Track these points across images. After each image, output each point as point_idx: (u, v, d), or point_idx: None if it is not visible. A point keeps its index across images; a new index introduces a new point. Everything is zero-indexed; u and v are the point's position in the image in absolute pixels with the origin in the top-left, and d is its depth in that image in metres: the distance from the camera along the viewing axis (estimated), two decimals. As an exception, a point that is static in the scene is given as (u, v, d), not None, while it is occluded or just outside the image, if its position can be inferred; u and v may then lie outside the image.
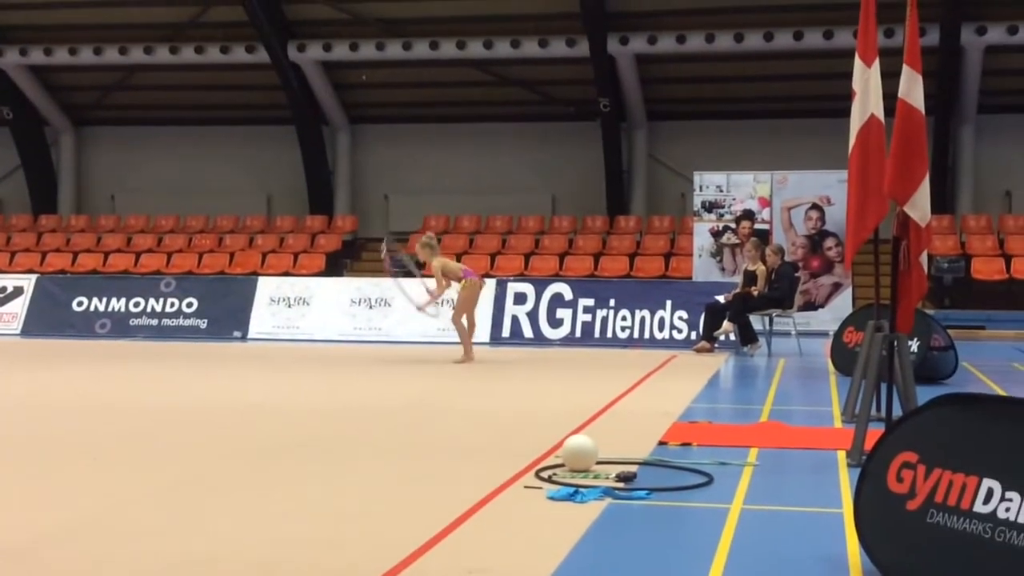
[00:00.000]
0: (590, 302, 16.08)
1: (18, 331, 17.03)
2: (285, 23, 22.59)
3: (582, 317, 16.03)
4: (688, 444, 6.91)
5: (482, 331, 16.27)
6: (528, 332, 16.15)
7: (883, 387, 6.69)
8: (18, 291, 17.52)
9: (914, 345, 10.02)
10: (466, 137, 24.43)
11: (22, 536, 4.67)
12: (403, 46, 22.16)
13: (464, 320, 13.23)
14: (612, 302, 16.02)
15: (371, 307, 16.94)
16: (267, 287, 17.34)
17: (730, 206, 19.31)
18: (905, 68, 6.43)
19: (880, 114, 6.65)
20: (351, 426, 7.98)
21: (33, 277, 18.05)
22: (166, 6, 22.67)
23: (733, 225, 19.23)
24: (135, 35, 22.92)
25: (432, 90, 24.04)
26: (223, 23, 22.61)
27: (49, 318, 17.19)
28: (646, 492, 5.44)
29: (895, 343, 6.55)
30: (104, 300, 17.30)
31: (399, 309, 16.81)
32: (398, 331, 16.51)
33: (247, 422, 8.19)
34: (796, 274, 15.07)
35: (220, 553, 4.44)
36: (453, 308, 13.63)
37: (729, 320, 14.39)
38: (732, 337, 14.62)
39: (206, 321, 17.03)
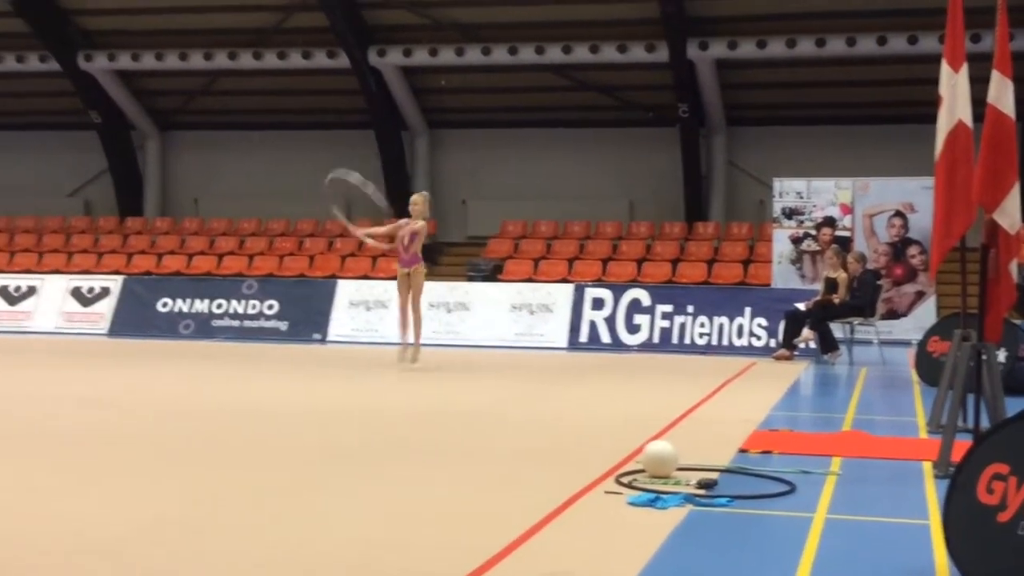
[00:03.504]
0: (668, 308, 16.02)
1: (106, 331, 17.37)
2: (366, 28, 22.80)
3: (660, 323, 15.98)
4: (769, 452, 6.86)
5: (560, 336, 16.30)
6: (606, 338, 16.13)
7: (970, 398, 6.58)
8: (105, 292, 17.89)
9: (1001, 355, 9.85)
10: (544, 142, 24.45)
11: (113, 532, 4.76)
12: (482, 51, 22.25)
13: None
14: (691, 308, 15.95)
15: (449, 311, 17.03)
16: (347, 290, 17.51)
17: (810, 213, 19.11)
18: (994, 73, 6.33)
19: (968, 120, 6.55)
20: (429, 430, 8.02)
21: (120, 278, 18.41)
22: (250, 12, 22.98)
23: (813, 232, 19.03)
24: (220, 40, 23.27)
25: (511, 95, 24.10)
26: (305, 29, 22.87)
27: (135, 318, 17.52)
28: (727, 499, 5.40)
29: (983, 353, 6.44)
30: (187, 301, 17.59)
31: (477, 314, 16.89)
32: (476, 335, 16.58)
33: (328, 425, 8.27)
34: (878, 282, 14.90)
35: (303, 554, 4.49)
36: (410, 296, 12.36)
37: (810, 328, 14.25)
38: (812, 345, 14.48)
39: (287, 323, 17.24)
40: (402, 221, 12.29)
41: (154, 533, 4.77)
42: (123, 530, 4.79)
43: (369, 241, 13.04)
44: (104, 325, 17.53)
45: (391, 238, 12.49)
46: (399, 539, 4.74)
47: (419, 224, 12.18)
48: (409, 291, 12.31)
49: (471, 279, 20.51)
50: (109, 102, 24.79)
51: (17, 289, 18.20)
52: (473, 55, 22.33)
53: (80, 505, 5.28)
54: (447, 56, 22.44)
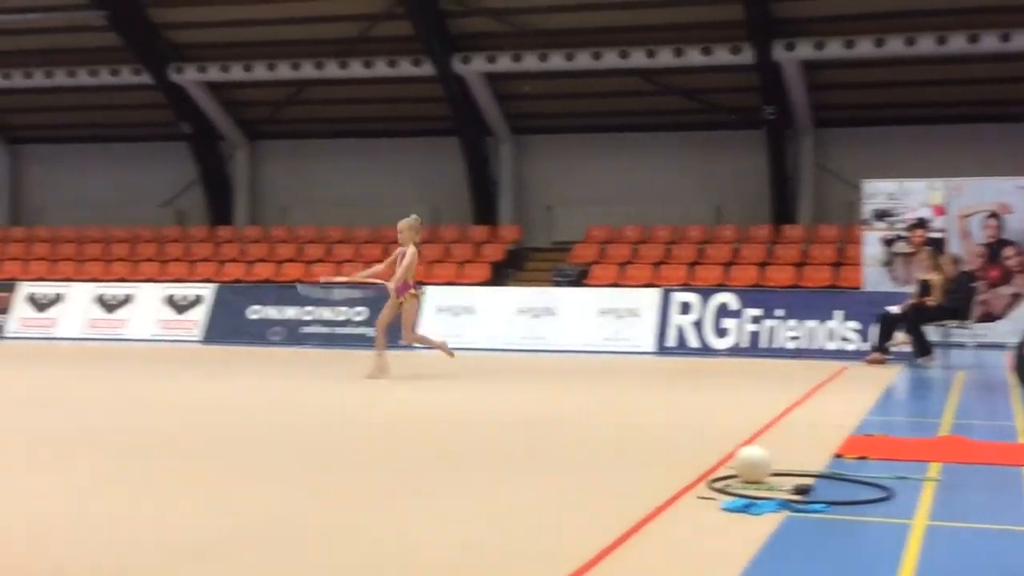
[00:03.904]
0: (757, 312, 15.88)
1: (199, 338, 17.67)
2: (450, 36, 22.93)
3: (749, 327, 15.84)
4: (864, 457, 6.75)
5: (647, 340, 16.23)
6: (694, 342, 16.03)
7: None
8: (198, 299, 18.21)
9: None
10: (629, 147, 24.39)
11: (211, 535, 4.83)
12: (566, 56, 22.25)
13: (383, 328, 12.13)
14: (780, 312, 15.79)
15: (535, 316, 17.05)
16: (434, 296, 17.60)
17: (902, 214, 18.81)
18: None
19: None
20: (519, 436, 8.03)
21: (212, 286, 18.72)
22: (336, 22, 23.24)
23: (905, 234, 18.72)
24: (306, 51, 23.57)
25: (594, 100, 24.07)
26: (390, 37, 23.07)
27: (227, 326, 17.80)
28: (824, 505, 5.33)
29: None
30: (278, 309, 17.82)
31: (564, 319, 16.89)
32: (562, 341, 16.58)
33: (417, 431, 8.32)
34: (973, 284, 14.60)
35: (395, 558, 4.52)
36: (402, 326, 12.17)
37: (904, 331, 14.02)
38: (906, 349, 14.24)
39: (375, 330, 17.36)
40: (398, 251, 12.05)
41: (253, 536, 4.84)
42: (221, 533, 4.86)
43: (370, 280, 12.75)
44: (198, 332, 17.83)
45: (391, 267, 12.18)
46: (491, 545, 4.75)
47: (409, 250, 11.83)
48: (395, 316, 12.02)
49: (557, 284, 20.52)
50: (199, 113, 25.23)
51: (114, 298, 18.61)
52: (556, 60, 22.35)
53: (182, 508, 5.38)
54: (531, 62, 22.48)
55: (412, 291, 11.97)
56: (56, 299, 18.85)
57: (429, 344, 12.60)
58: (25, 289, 19.15)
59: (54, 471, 6.41)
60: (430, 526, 5.03)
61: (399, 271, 11.79)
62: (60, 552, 4.54)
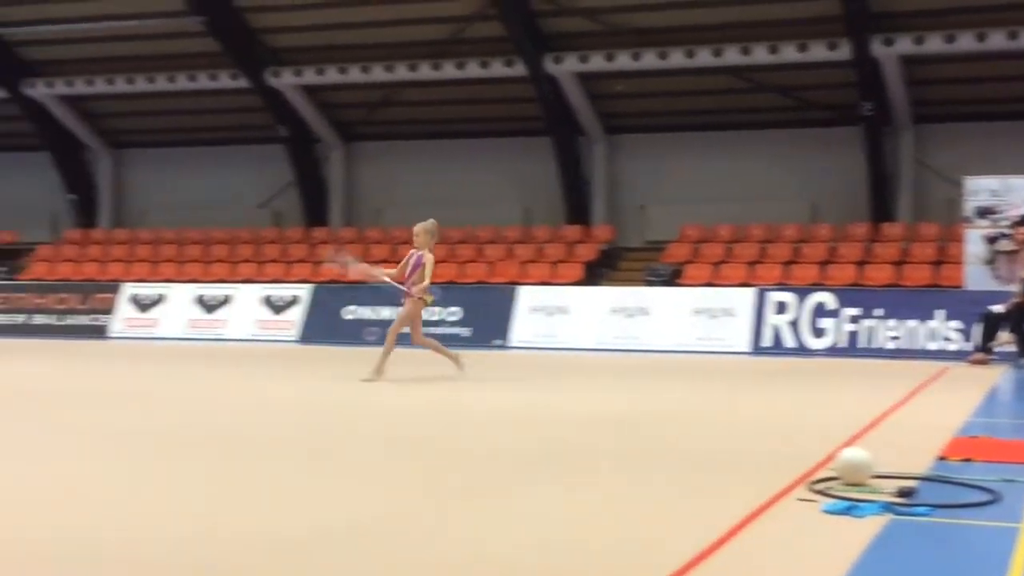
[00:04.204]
0: (856, 311, 15.66)
1: (296, 338, 17.91)
2: (542, 36, 22.95)
3: (847, 327, 15.61)
4: (969, 460, 6.61)
5: (742, 340, 16.08)
6: (790, 342, 15.85)
7: None
8: (295, 300, 18.46)
9: None
10: (722, 145, 24.19)
11: (303, 533, 4.89)
12: (659, 55, 22.13)
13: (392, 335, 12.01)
14: (879, 311, 15.54)
15: (629, 316, 17.00)
16: (527, 296, 17.64)
17: (1005, 211, 18.38)
18: None
19: None
20: (614, 435, 8.01)
21: (308, 287, 18.97)
22: (429, 24, 23.40)
23: (1009, 231, 18.28)
24: (400, 53, 23.76)
25: (688, 98, 23.92)
26: (482, 38, 23.16)
27: (323, 326, 18.03)
28: (928, 508, 5.22)
29: None
30: (372, 309, 17.99)
31: (657, 319, 16.81)
32: (655, 341, 16.50)
33: (511, 429, 8.34)
34: (1080, 282, 14.22)
35: (498, 556, 4.53)
36: (407, 329, 12.10)
37: (1008, 331, 13.70)
38: (1010, 348, 13.92)
39: (469, 329, 17.47)
40: (411, 253, 11.96)
41: (343, 535, 4.89)
42: (314, 528, 4.92)
43: (387, 280, 12.39)
44: (294, 332, 18.09)
45: (403, 270, 12.05)
46: (587, 544, 4.74)
47: (428, 256, 11.75)
48: (418, 317, 11.95)
49: (650, 284, 20.42)
50: (295, 116, 25.58)
51: (213, 298, 18.95)
52: (649, 59, 22.24)
53: (275, 506, 5.45)
54: (623, 61, 22.40)
55: (421, 296, 11.79)
56: (158, 300, 19.26)
57: (386, 351, 11.91)
58: (128, 290, 19.59)
59: (159, 470, 6.55)
60: (530, 524, 5.04)
61: (427, 279, 11.63)
62: (163, 550, 4.63)
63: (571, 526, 5.04)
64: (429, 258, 11.67)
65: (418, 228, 11.91)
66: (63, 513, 5.24)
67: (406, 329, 11.93)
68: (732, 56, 21.80)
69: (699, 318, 16.65)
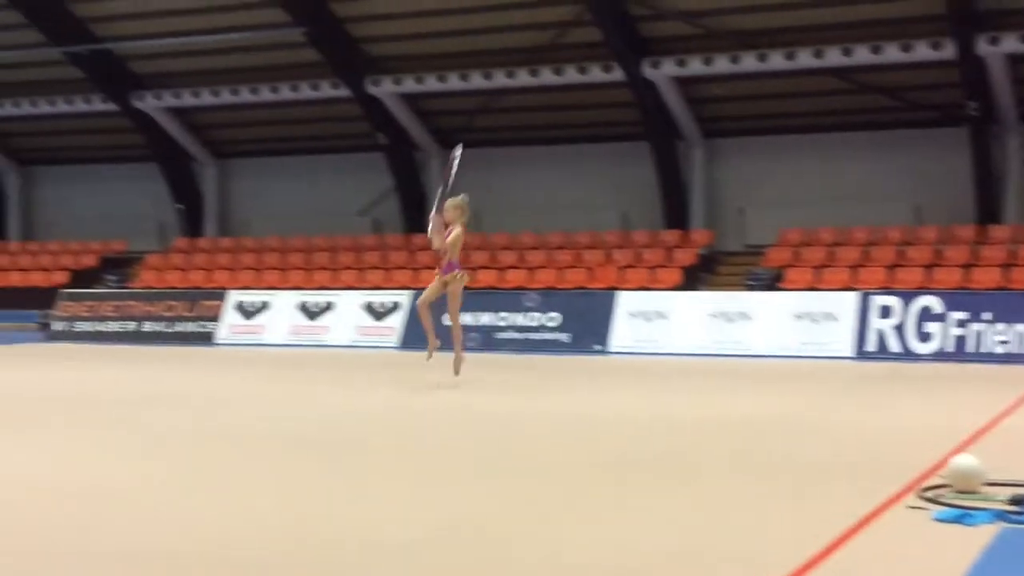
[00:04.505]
0: (963, 315, 15.36)
1: (397, 344, 18.12)
2: (639, 41, 22.90)
3: (954, 331, 15.32)
4: (1084, 467, 6.47)
5: (845, 345, 15.86)
6: (895, 346, 15.61)
7: None
8: (395, 306, 18.68)
9: None
10: (823, 147, 23.89)
11: (409, 535, 4.97)
12: (758, 57, 21.94)
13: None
14: (988, 315, 15.22)
15: (729, 321, 16.88)
16: (626, 301, 17.62)
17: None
18: None
19: None
20: (717, 442, 7.99)
21: (408, 293, 19.17)
22: (526, 31, 23.50)
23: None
24: (498, 60, 23.90)
25: (788, 100, 23.67)
26: (580, 44, 23.19)
27: (423, 332, 18.18)
28: (1042, 517, 5.14)
29: None
30: (473, 315, 18.12)
31: (758, 324, 16.67)
32: (759, 345, 16.37)
33: (612, 434, 8.36)
34: None
35: (580, 561, 4.56)
36: (427, 290, 12.13)
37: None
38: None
39: (569, 335, 17.51)
40: (459, 230, 11.89)
41: (447, 537, 4.95)
42: (420, 531, 4.99)
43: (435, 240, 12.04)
44: (395, 338, 18.29)
45: (445, 250, 11.92)
46: (697, 549, 4.75)
47: (456, 229, 11.76)
48: (437, 297, 11.93)
49: (750, 289, 20.26)
50: (395, 124, 25.86)
51: (316, 305, 19.25)
52: (748, 62, 22.06)
53: (379, 508, 5.55)
54: (722, 64, 22.26)
55: (458, 272, 11.84)
56: (262, 307, 19.62)
57: (456, 338, 11.99)
58: (234, 297, 19.99)
59: (262, 472, 6.69)
60: (638, 529, 5.06)
61: (446, 244, 11.70)
62: (264, 552, 4.74)
63: (679, 532, 5.05)
64: (456, 232, 11.74)
65: (447, 203, 11.94)
66: (181, 514, 5.40)
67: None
68: (833, 57, 21.52)
69: (801, 323, 16.48)
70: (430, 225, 12.01)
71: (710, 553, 4.69)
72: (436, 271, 12.05)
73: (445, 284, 11.84)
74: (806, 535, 4.86)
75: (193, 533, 4.99)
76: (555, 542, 4.88)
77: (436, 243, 11.83)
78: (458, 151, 12.29)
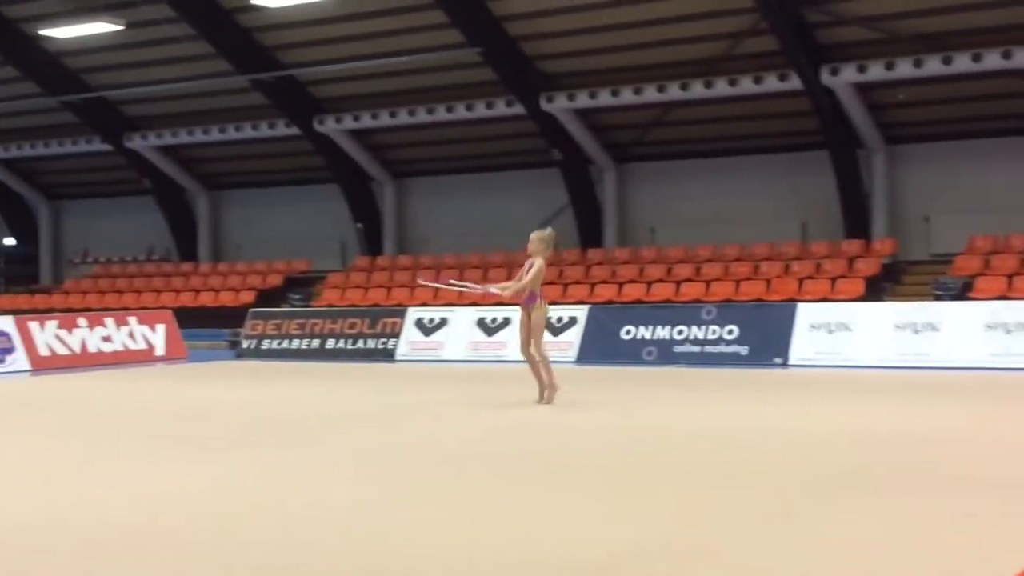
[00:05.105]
0: None
1: (574, 358, 18.15)
2: (817, 48, 22.45)
3: None
4: None
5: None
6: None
7: None
8: (572, 321, 18.72)
9: None
10: (1012, 151, 22.99)
11: (599, 552, 4.95)
12: (943, 60, 21.25)
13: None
14: None
15: (916, 332, 16.36)
16: (807, 313, 17.25)
17: None
18: None
19: None
20: (909, 455, 7.74)
21: (585, 308, 19.19)
22: (700, 43, 23.32)
23: None
24: (671, 73, 23.77)
25: (974, 104, 22.85)
26: (755, 54, 22.88)
27: (600, 346, 18.18)
28: None
29: None
30: (650, 328, 18.02)
31: (946, 334, 16.12)
32: (945, 357, 15.80)
33: (801, 448, 8.18)
34: None
35: None
36: (522, 335, 11.90)
37: None
38: None
39: (747, 348, 17.23)
40: (527, 262, 11.78)
41: (632, 558, 4.91)
42: (611, 550, 4.97)
43: (504, 294, 12.09)
44: (572, 353, 18.31)
45: (515, 290, 11.88)
46: (889, 570, 4.61)
47: (537, 261, 11.62)
48: (527, 330, 11.73)
49: (938, 298, 19.60)
50: (569, 139, 25.97)
51: (493, 320, 19.42)
52: (933, 65, 21.38)
53: (562, 529, 5.54)
54: (904, 68, 21.63)
55: (540, 302, 11.72)
56: (441, 323, 19.90)
57: (537, 372, 11.78)
58: (413, 314, 20.34)
59: (443, 490, 6.78)
60: (823, 548, 4.95)
61: (526, 280, 11.62)
62: (455, 572, 4.79)
63: (869, 554, 4.91)
64: (538, 263, 11.67)
65: (533, 236, 11.90)
66: (404, 533, 5.51)
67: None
68: (1022, 58, 20.68)
69: (993, 333, 15.84)
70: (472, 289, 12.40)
71: (902, 573, 4.54)
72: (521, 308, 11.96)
73: (530, 316, 11.78)
74: (1006, 556, 4.66)
75: (406, 552, 5.07)
76: (743, 561, 4.79)
77: (509, 293, 11.93)
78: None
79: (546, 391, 11.65)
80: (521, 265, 12.06)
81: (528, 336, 11.72)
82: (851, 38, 22.30)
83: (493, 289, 12.31)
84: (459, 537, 5.26)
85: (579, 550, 4.99)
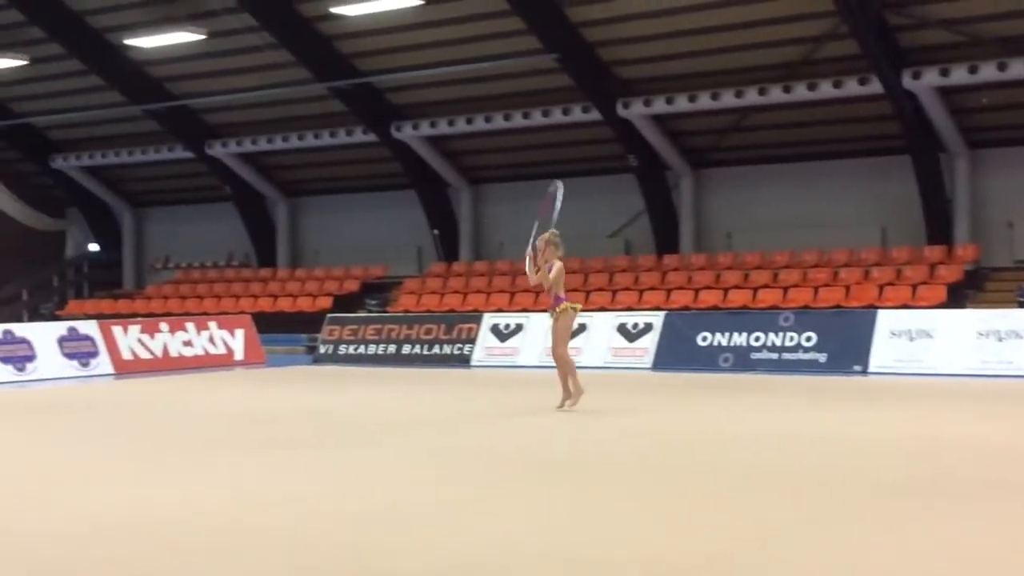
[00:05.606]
0: None
1: (649, 365, 18.09)
2: (899, 51, 22.14)
3: None
4: None
5: None
6: None
7: None
8: (648, 327, 18.65)
9: None
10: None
11: (694, 556, 4.93)
12: (1028, 63, 20.85)
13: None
14: None
15: (1000, 340, 16.07)
16: (887, 320, 17.03)
17: None
18: None
19: None
20: (980, 465, 7.61)
21: (661, 314, 19.11)
22: (779, 47, 23.10)
23: None
24: (749, 77, 23.59)
25: (1061, 107, 22.40)
26: (835, 58, 22.62)
27: (676, 352, 18.10)
28: None
29: None
30: (726, 335, 17.91)
31: (1032, 342, 15.82)
32: (1032, 365, 15.50)
33: (884, 457, 8.08)
34: None
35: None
36: (552, 339, 11.96)
37: None
38: None
39: (825, 355, 17.05)
40: (545, 266, 11.82)
41: (723, 560, 4.89)
42: (692, 560, 4.95)
43: (530, 272, 12.16)
44: (648, 359, 18.25)
45: (549, 286, 11.97)
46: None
47: (555, 264, 11.75)
48: (555, 334, 11.78)
49: (1022, 305, 19.24)
50: (645, 145, 25.87)
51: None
52: (1017, 68, 20.99)
53: (649, 530, 5.53)
54: (988, 72, 21.24)
55: (566, 304, 11.75)
56: (516, 329, 19.94)
57: (565, 375, 11.77)
58: (489, 320, 20.40)
59: (531, 494, 6.79)
60: (898, 561, 4.89)
61: (547, 283, 11.75)
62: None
63: (954, 566, 4.84)
64: (557, 265, 11.78)
65: (537, 244, 12.05)
66: (457, 536, 5.54)
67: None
68: (1111, 59, 20.26)
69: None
70: (526, 262, 12.20)
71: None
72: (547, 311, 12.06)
73: (557, 319, 11.82)
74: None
75: (477, 552, 5.11)
76: (811, 571, 4.75)
77: (532, 279, 12.04)
78: (557, 189, 12.48)
79: (567, 401, 11.63)
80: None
81: (554, 337, 11.80)
82: (933, 41, 21.96)
83: (528, 258, 12.16)
84: (563, 535, 5.27)
85: (670, 554, 4.99)
